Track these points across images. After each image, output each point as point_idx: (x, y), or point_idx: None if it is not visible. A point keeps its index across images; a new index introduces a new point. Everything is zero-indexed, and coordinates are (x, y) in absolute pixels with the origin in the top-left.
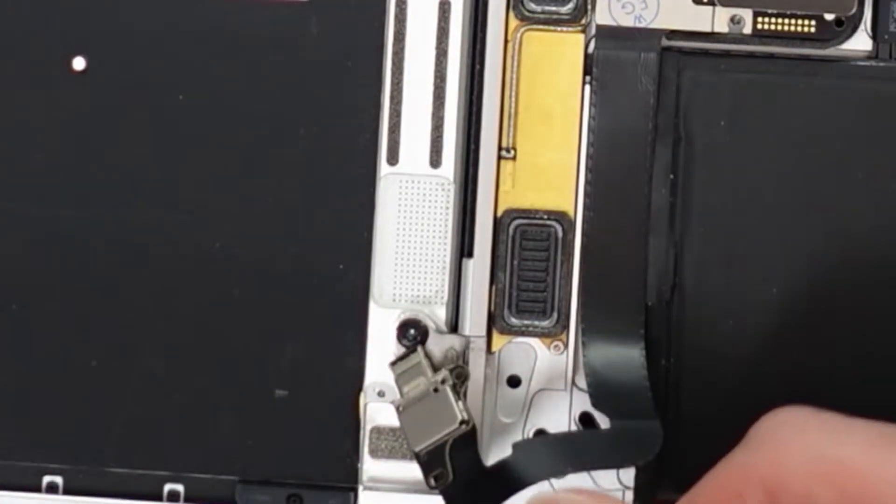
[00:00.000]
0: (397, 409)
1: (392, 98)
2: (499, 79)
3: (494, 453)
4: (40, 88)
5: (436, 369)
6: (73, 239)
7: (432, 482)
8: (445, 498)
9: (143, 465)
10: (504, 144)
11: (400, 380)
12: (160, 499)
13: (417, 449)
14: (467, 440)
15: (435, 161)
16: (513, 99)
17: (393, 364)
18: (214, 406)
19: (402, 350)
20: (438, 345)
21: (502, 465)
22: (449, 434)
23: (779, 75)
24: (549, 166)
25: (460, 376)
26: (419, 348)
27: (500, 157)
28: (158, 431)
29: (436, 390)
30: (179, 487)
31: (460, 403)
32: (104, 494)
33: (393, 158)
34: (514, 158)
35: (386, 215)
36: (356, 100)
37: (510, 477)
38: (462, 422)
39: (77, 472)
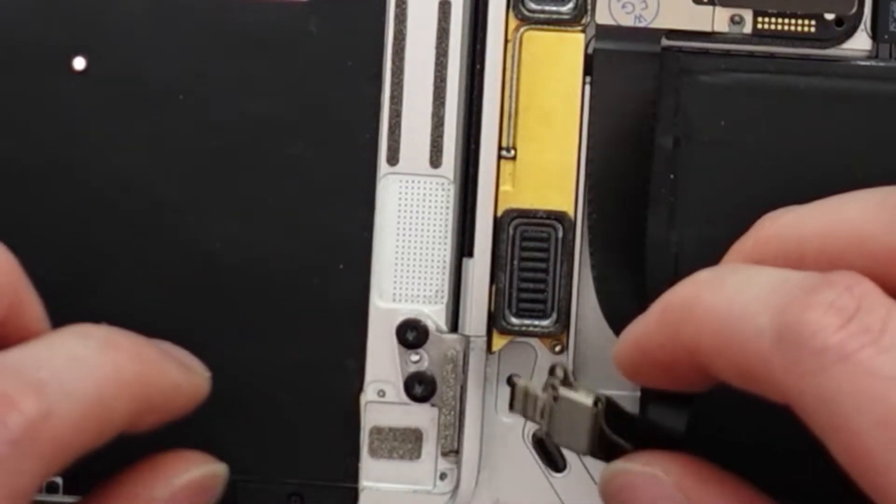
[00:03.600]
0: (546, 436)
1: (392, 98)
2: (499, 79)
3: (494, 453)
4: (40, 88)
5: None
6: (72, 239)
7: None
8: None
9: None
10: (504, 144)
11: (527, 413)
12: None
13: (585, 452)
14: (615, 410)
15: (435, 161)
16: (513, 99)
17: (512, 408)
18: (214, 406)
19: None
20: (438, 345)
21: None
22: (596, 420)
23: (779, 75)
24: (549, 166)
25: (561, 375)
26: (514, 379)
27: (500, 157)
28: (158, 431)
29: (555, 398)
30: None
31: (581, 391)
32: None
33: (393, 158)
34: (514, 158)
35: (386, 215)
36: (356, 100)
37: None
38: (596, 401)
39: (77, 471)
